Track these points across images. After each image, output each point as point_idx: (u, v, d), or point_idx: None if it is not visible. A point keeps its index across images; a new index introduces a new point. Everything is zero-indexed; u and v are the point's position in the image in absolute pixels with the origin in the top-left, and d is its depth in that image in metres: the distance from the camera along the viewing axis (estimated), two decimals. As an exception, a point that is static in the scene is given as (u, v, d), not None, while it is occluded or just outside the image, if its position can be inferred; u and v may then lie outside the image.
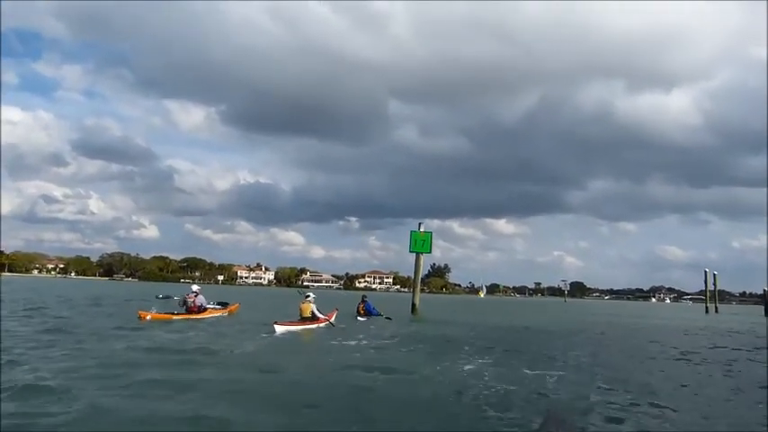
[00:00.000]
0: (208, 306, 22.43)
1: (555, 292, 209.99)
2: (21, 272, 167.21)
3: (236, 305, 25.92)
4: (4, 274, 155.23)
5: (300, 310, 19.75)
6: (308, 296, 20.36)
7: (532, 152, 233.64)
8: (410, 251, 31.70)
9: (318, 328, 18.99)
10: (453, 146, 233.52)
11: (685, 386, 10.32)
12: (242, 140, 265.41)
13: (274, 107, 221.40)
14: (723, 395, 9.58)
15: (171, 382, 8.54)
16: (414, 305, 31.34)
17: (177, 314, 20.71)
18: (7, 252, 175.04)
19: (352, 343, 15.16)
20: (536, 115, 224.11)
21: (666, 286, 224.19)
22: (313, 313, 19.58)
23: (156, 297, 26.17)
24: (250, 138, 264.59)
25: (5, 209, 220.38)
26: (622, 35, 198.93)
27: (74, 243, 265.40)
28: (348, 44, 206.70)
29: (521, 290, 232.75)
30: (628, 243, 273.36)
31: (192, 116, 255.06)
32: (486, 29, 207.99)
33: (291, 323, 18.40)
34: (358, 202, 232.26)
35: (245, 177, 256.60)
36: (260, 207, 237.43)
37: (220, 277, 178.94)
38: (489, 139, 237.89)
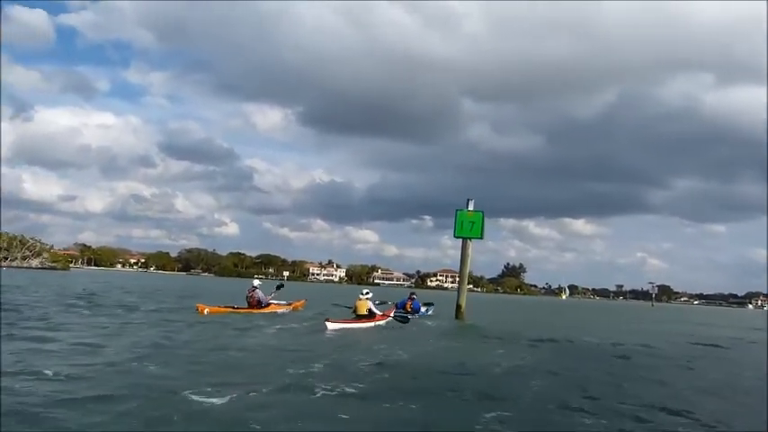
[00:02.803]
0: (271, 301, 21.40)
1: (638, 295, 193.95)
2: (105, 266, 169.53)
3: (303, 301, 24.63)
4: (89, 267, 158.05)
5: (356, 307, 18.47)
6: (366, 293, 18.97)
7: (612, 150, 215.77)
8: (455, 236, 23.42)
9: (376, 325, 17.66)
10: (527, 144, 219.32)
11: None
12: (317, 140, 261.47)
13: (348, 108, 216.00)
14: None
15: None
16: (458, 307, 23.02)
17: (237, 308, 20.11)
18: (94, 247, 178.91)
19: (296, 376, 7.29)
20: (615, 111, 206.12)
21: (764, 292, 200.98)
22: (370, 311, 18.36)
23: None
24: (325, 138, 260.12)
25: (100, 207, 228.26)
26: (710, 25, 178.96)
27: (160, 239, 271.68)
28: (421, 44, 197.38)
29: (600, 292, 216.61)
30: (716, 245, 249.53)
31: (269, 118, 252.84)
32: (563, 25, 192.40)
33: (345, 321, 17.34)
34: (430, 201, 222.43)
35: (320, 177, 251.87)
36: (334, 205, 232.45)
37: (286, 273, 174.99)
38: (565, 137, 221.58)
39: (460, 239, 23.30)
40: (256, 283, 21.29)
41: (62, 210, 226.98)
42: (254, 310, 20.02)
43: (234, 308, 20.05)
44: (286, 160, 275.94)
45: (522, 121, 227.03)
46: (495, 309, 42.00)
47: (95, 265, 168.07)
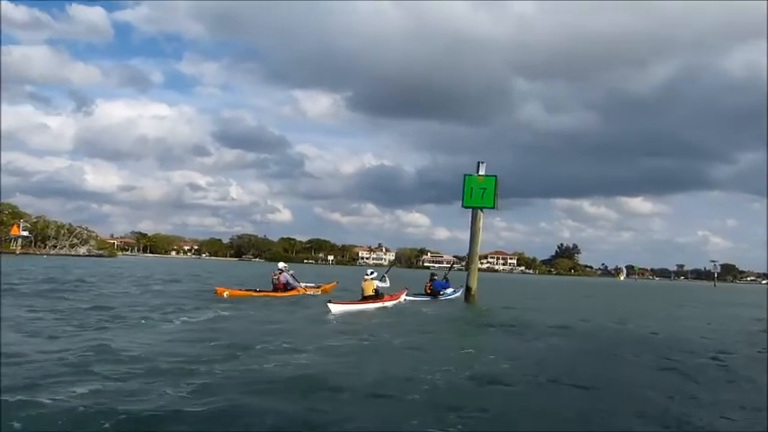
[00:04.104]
0: (299, 285, 20.56)
1: (701, 274, 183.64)
2: (161, 253, 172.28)
3: (334, 283, 23.94)
4: (145, 254, 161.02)
5: (362, 288, 17.47)
6: (371, 273, 18.08)
7: (671, 125, 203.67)
8: (463, 206, 19.82)
9: (378, 307, 16.63)
10: (581, 122, 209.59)
11: None
12: (366, 125, 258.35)
13: (397, 91, 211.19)
14: None
15: None
16: (468, 289, 19.47)
17: (259, 291, 19.64)
18: (150, 235, 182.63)
19: None
20: (674, 85, 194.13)
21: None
22: (377, 292, 17.46)
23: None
24: (374, 122, 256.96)
25: (157, 196, 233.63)
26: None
27: (216, 227, 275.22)
28: (470, 24, 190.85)
29: (660, 272, 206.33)
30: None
31: (319, 104, 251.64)
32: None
33: (349, 302, 16.48)
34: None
35: (370, 161, 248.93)
36: (384, 189, 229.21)
37: (330, 257, 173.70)
38: (621, 114, 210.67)
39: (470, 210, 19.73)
40: (281, 266, 20.69)
41: (122, 200, 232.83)
42: (278, 294, 19.34)
43: (257, 291, 19.63)
44: (336, 145, 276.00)
45: (575, 99, 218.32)
46: (527, 291, 37.86)
47: (151, 252, 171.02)
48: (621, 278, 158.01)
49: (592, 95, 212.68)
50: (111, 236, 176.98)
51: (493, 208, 19.53)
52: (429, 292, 21.13)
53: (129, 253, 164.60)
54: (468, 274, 19.80)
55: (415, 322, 13.57)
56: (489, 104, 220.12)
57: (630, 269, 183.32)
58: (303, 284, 21.19)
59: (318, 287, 22.23)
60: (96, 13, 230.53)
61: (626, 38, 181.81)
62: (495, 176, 19.49)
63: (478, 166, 19.64)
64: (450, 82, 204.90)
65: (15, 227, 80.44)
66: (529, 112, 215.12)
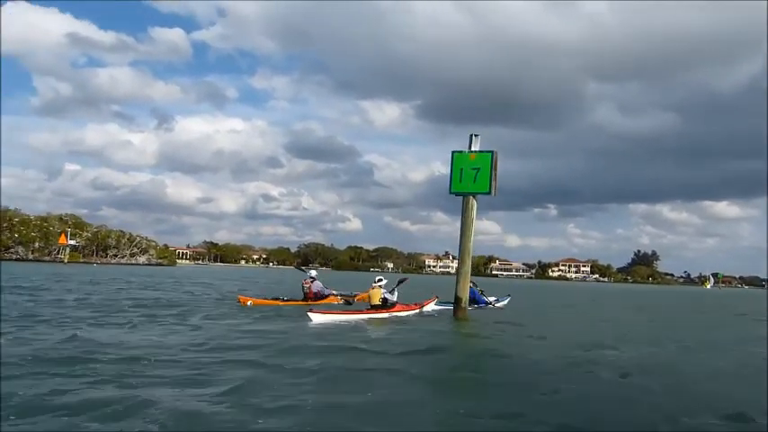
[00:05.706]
0: (332, 293, 19.38)
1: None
2: (230, 262, 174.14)
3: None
4: (216, 264, 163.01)
5: (369, 296, 15.68)
6: (378, 280, 15.99)
7: (759, 124, 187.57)
8: (451, 192, 15.21)
9: (380, 318, 14.53)
10: (659, 124, 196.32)
11: None
12: (433, 133, 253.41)
13: (465, 98, 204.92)
14: None
15: None
16: (458, 300, 14.74)
17: (286, 300, 18.46)
18: (220, 244, 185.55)
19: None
20: (761, 82, 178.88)
21: None
22: (385, 300, 15.36)
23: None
24: (441, 129, 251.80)
25: (233, 207, 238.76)
26: None
27: (288, 236, 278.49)
28: (539, 28, 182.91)
29: (750, 280, 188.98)
30: None
31: (387, 113, 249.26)
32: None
33: (335, 312, 14.58)
34: (554, 189, 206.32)
35: (438, 169, 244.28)
36: (454, 197, 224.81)
37: (390, 265, 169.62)
38: (703, 114, 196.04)
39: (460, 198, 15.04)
40: (313, 273, 19.39)
41: (200, 211, 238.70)
42: (308, 303, 17.54)
43: (284, 300, 18.44)
44: (403, 154, 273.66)
45: (652, 100, 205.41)
46: (575, 302, 32.13)
47: (221, 261, 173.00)
48: (708, 286, 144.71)
49: (670, 96, 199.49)
50: (188, 246, 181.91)
51: (488, 193, 14.72)
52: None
53: (199, 262, 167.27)
54: (457, 281, 15.02)
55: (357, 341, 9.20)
56: (560, 108, 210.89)
57: (715, 277, 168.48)
58: (336, 292, 19.94)
59: (353, 295, 20.46)
60: (176, 35, 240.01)
61: (708, 34, 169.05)
62: (492, 152, 14.69)
63: (471, 140, 14.94)
64: (519, 86, 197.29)
65: (63, 236, 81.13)
66: (602, 114, 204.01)
